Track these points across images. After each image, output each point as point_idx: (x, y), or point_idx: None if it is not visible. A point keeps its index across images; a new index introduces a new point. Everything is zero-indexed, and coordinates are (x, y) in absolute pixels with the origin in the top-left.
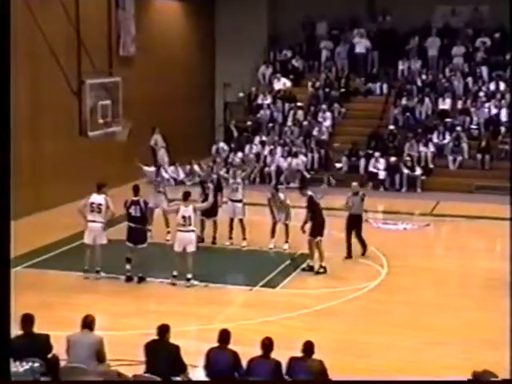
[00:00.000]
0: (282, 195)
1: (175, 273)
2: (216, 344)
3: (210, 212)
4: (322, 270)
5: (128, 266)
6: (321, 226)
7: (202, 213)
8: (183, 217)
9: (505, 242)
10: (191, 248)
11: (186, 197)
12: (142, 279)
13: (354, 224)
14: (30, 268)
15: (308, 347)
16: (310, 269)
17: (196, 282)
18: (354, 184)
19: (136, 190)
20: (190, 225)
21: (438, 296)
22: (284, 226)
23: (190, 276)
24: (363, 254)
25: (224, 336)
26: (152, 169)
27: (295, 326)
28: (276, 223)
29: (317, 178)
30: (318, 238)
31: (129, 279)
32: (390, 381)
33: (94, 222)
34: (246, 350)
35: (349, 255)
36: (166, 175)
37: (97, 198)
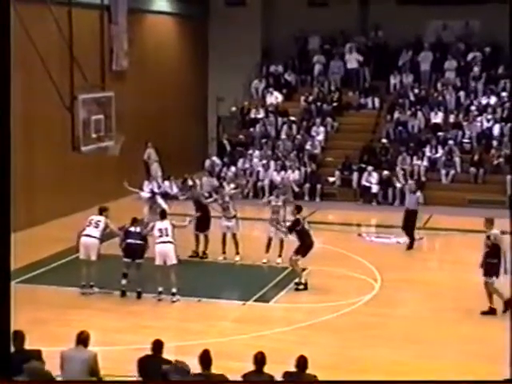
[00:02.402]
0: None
1: (160, 289)
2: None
3: (203, 226)
4: (301, 287)
5: (124, 281)
6: (307, 248)
7: (195, 227)
8: (159, 229)
9: None
10: (171, 261)
11: (163, 216)
12: (140, 294)
13: (409, 218)
14: (22, 283)
15: (301, 362)
16: (305, 286)
17: (179, 297)
18: (411, 182)
19: (134, 222)
20: (167, 235)
21: (432, 309)
22: (279, 241)
23: (174, 290)
24: (409, 248)
25: (204, 358)
26: (146, 194)
27: (289, 341)
28: (271, 239)
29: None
30: (299, 256)
31: (124, 294)
32: (389, 381)
33: (88, 236)
34: (240, 365)
35: (410, 246)
36: (160, 201)
37: (97, 217)
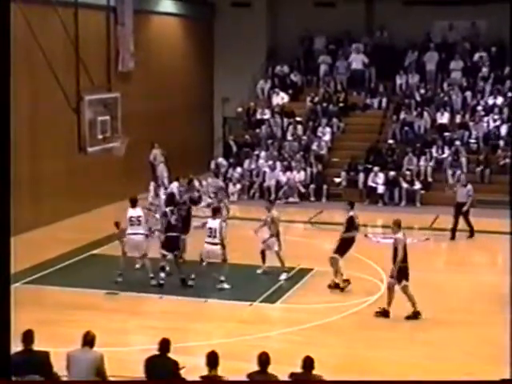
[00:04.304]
0: (275, 212)
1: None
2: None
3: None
4: (344, 285)
5: (162, 275)
6: (348, 246)
7: None
8: (210, 228)
9: (505, 256)
10: (216, 258)
11: (215, 212)
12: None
13: (460, 210)
14: (29, 284)
15: (308, 362)
16: (336, 286)
17: (226, 286)
18: (463, 177)
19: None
20: (215, 236)
21: (438, 311)
22: (275, 253)
23: (223, 278)
24: (471, 237)
25: (211, 359)
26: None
27: (295, 342)
28: (264, 250)
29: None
30: (337, 255)
31: (161, 286)
32: (389, 381)
33: (135, 234)
34: (246, 365)
35: (453, 237)
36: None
37: (135, 211)
